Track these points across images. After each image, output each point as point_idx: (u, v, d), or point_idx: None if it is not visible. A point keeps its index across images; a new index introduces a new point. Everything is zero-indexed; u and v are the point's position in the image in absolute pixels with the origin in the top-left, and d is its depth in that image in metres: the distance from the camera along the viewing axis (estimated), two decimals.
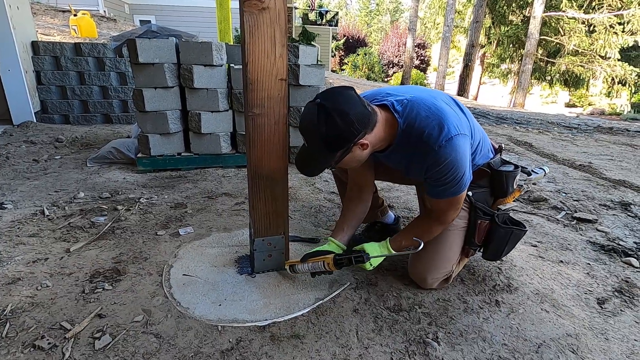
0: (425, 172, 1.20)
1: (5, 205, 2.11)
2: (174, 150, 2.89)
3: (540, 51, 14.66)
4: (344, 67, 23.77)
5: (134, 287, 1.42)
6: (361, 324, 1.25)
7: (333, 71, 20.02)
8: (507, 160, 1.44)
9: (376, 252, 1.32)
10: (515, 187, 1.40)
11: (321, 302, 1.34)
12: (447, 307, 1.33)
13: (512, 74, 16.70)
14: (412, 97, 1.21)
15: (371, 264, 1.30)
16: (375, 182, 1.74)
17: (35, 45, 4.30)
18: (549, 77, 15.48)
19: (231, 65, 2.91)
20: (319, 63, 3.06)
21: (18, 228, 1.86)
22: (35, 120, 4.26)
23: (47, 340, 1.13)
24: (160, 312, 1.28)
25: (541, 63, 15.12)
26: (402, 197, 2.45)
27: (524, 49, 14.04)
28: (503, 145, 1.46)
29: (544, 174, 1.51)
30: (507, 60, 16.18)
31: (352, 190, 1.53)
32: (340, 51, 24.24)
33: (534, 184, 2.27)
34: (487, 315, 1.29)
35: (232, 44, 3.36)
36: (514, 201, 2.34)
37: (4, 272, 1.48)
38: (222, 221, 2.02)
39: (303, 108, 1.16)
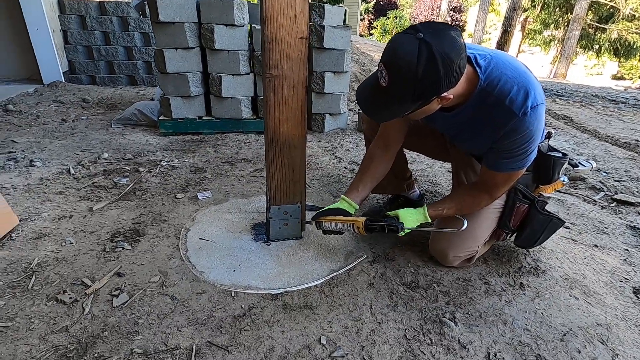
0: (498, 140, 1.07)
1: (34, 163, 2.18)
2: (195, 113, 2.86)
3: (590, 16, 13.33)
4: (372, 31, 22.66)
5: (152, 248, 1.44)
6: (376, 298, 1.22)
7: (361, 35, 19.14)
8: (555, 147, 1.32)
9: (412, 219, 1.23)
10: (560, 176, 1.28)
11: (336, 273, 1.32)
12: (467, 287, 1.27)
13: (556, 42, 15.38)
14: (494, 53, 1.06)
15: (404, 231, 1.22)
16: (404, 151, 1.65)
17: (61, 3, 4.29)
18: (597, 46, 14.15)
19: (253, 25, 2.78)
20: (346, 25, 2.88)
21: (45, 185, 1.92)
22: (63, 80, 4.34)
23: (69, 295, 1.17)
24: (176, 274, 1.29)
25: (590, 29, 13.78)
26: (426, 170, 2.34)
27: (572, 13, 12.80)
28: (552, 132, 1.33)
29: (591, 168, 1.38)
30: (552, 25, 14.84)
31: (377, 148, 1.40)
32: (370, 14, 23.01)
33: (582, 178, 2.09)
34: (510, 298, 1.23)
35: (254, 1, 3.20)
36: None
37: (32, 227, 1.54)
38: (240, 187, 2.01)
39: (393, 39, 0.93)
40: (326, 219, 1.33)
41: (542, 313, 1.17)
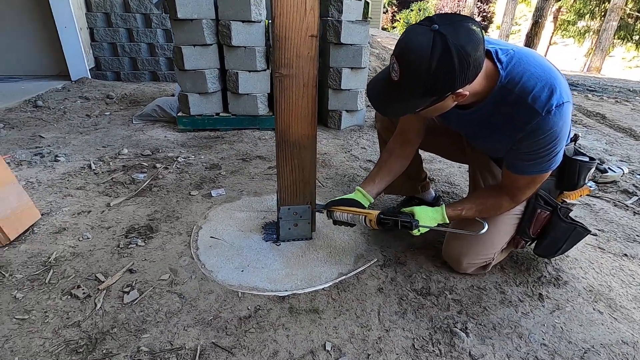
0: (519, 140, 1.00)
1: (59, 158, 2.26)
2: (212, 110, 2.88)
3: (630, 5, 12.52)
4: (395, 24, 22.18)
5: (164, 245, 1.46)
6: (384, 304, 1.19)
7: (384, 29, 18.77)
8: (582, 151, 1.23)
9: (427, 218, 1.16)
10: (586, 181, 1.20)
11: (344, 277, 1.29)
12: (481, 296, 1.22)
13: (591, 33, 14.55)
14: (518, 48, 1.00)
15: (419, 230, 1.16)
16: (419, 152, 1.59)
17: (88, 1, 4.41)
18: (636, 37, 13.29)
19: (270, 21, 2.76)
20: (369, 18, 2.81)
21: (68, 180, 1.99)
22: (90, 77, 4.49)
23: (83, 290, 1.20)
24: (185, 272, 1.30)
25: (629, 19, 12.94)
26: (444, 170, 2.27)
27: (609, 2, 12.06)
28: (579, 134, 1.24)
29: (622, 174, 1.28)
30: (587, 16, 14.04)
31: (395, 143, 1.36)
32: (393, 7, 22.52)
33: (614, 181, 1.95)
34: (527, 310, 1.16)
35: None
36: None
37: (53, 221, 1.59)
38: (254, 185, 2.01)
39: (406, 30, 0.89)
40: (338, 208, 1.27)
41: (561, 327, 1.10)
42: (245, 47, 2.65)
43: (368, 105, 3.38)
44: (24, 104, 3.48)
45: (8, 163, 2.14)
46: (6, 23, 4.48)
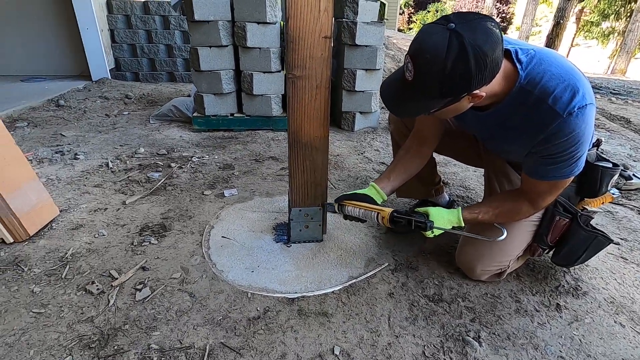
0: (539, 143, 0.97)
1: (78, 156, 2.32)
2: (227, 110, 2.91)
3: None
4: (411, 25, 21.98)
5: (177, 244, 1.47)
6: (395, 309, 1.17)
7: (400, 30, 18.62)
8: (604, 157, 1.18)
9: (443, 219, 1.12)
10: (608, 188, 1.15)
11: (354, 280, 1.28)
12: (495, 304, 1.19)
13: (616, 34, 14.09)
14: (539, 49, 0.97)
15: (433, 232, 1.12)
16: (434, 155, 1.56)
17: (109, 3, 4.53)
18: None
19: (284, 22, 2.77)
20: (385, 20, 2.78)
21: (86, 178, 2.04)
22: (110, 77, 4.60)
23: (97, 286, 1.22)
24: (196, 271, 1.31)
25: None
26: (459, 174, 2.23)
27: (635, 2, 11.65)
28: (602, 140, 1.19)
29: None
30: (612, 16, 13.61)
31: (412, 142, 1.34)
32: (410, 8, 22.33)
33: (638, 189, 1.86)
34: (544, 320, 1.12)
35: None
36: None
37: (70, 218, 1.63)
38: (266, 185, 2.02)
39: (422, 29, 0.87)
40: (350, 203, 1.24)
41: (580, 340, 1.06)
42: (260, 48, 2.67)
43: (382, 107, 3.35)
44: (47, 103, 3.59)
45: (30, 160, 2.21)
46: (31, 26, 4.65)
